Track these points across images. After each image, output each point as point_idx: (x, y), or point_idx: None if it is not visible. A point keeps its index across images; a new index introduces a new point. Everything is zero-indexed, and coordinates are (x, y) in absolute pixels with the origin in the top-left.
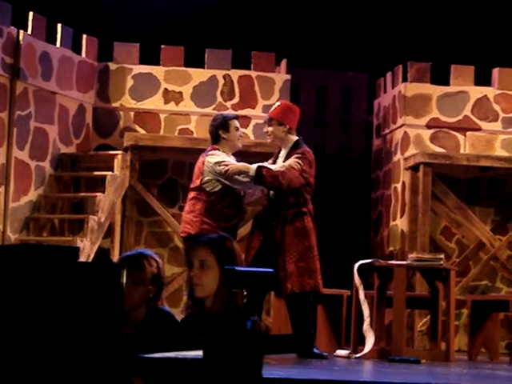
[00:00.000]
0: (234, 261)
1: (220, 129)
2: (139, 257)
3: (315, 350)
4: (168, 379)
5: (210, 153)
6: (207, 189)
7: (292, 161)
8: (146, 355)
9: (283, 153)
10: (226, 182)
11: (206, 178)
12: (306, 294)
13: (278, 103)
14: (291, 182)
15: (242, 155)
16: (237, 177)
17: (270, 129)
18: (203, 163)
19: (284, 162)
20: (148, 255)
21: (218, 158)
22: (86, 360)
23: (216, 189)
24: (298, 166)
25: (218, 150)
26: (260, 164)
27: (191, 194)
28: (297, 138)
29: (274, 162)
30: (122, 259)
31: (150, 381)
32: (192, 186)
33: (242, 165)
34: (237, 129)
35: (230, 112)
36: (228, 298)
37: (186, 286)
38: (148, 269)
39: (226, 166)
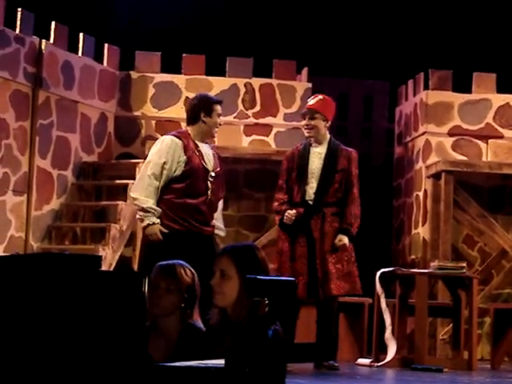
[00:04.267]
0: (258, 270)
1: (202, 110)
2: (176, 265)
3: (330, 362)
4: None
5: (161, 138)
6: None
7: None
8: (168, 364)
9: (319, 149)
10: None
11: None
12: (336, 298)
13: (319, 96)
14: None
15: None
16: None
17: (313, 122)
18: None
19: (326, 160)
20: (185, 266)
21: (148, 158)
22: (109, 369)
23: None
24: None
25: (183, 134)
26: None
27: None
28: (330, 134)
29: (303, 160)
30: (159, 266)
31: None
32: None
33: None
34: (218, 115)
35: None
36: (249, 307)
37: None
38: (183, 278)
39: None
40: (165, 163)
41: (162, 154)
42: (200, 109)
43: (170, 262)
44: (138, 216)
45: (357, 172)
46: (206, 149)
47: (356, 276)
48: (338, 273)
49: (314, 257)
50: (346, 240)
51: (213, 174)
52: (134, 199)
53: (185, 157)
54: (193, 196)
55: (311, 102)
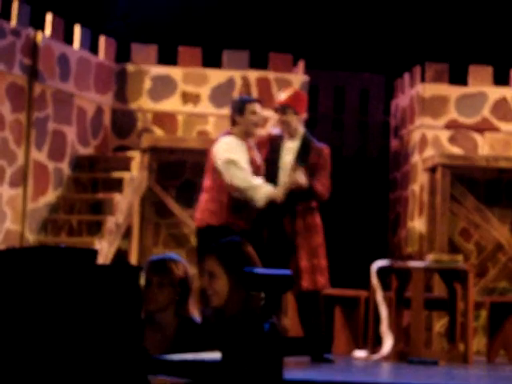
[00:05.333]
0: (245, 264)
1: (235, 112)
2: (167, 260)
3: (325, 355)
4: (188, 381)
5: (219, 140)
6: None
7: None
8: (165, 357)
9: (292, 145)
10: (232, 185)
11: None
12: (318, 292)
13: (290, 90)
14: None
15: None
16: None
17: (284, 117)
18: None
19: (298, 155)
20: (176, 259)
21: (228, 155)
22: (105, 363)
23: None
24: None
25: (231, 134)
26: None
27: (208, 182)
28: (304, 128)
29: (274, 152)
30: (150, 262)
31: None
32: (208, 173)
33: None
34: (253, 113)
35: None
36: (243, 300)
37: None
38: (175, 272)
39: (250, 186)
40: (241, 158)
41: (237, 149)
42: (234, 111)
43: (161, 256)
44: (266, 199)
45: (327, 166)
46: (253, 145)
47: (327, 271)
48: (313, 267)
49: (286, 252)
50: (301, 177)
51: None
52: (246, 188)
53: (247, 154)
54: None
55: (282, 96)
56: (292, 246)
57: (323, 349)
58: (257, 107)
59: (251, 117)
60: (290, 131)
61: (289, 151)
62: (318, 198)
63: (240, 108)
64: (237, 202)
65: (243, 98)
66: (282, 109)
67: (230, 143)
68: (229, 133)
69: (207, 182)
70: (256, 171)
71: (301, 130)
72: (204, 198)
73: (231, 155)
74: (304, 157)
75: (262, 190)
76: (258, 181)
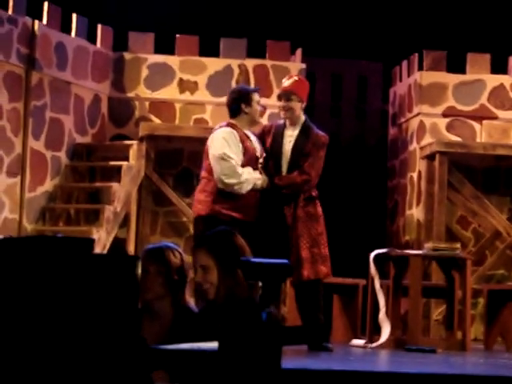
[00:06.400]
0: (235, 254)
1: (242, 102)
2: (164, 248)
3: (324, 344)
4: (185, 370)
5: (216, 131)
6: None
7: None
8: (162, 347)
9: (291, 132)
10: (221, 181)
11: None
12: (319, 281)
13: (294, 77)
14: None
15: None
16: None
17: (289, 104)
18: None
19: (296, 143)
20: (172, 247)
21: (219, 150)
22: (102, 352)
23: None
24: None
25: (234, 126)
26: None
27: (202, 173)
28: (305, 116)
29: (277, 140)
30: (147, 250)
31: (173, 374)
32: (203, 164)
33: (258, 179)
34: (258, 102)
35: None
36: (231, 289)
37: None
38: (172, 260)
39: (240, 182)
40: (234, 152)
41: (228, 143)
42: (239, 101)
43: (157, 245)
44: (257, 187)
45: (320, 154)
46: (252, 136)
47: (329, 260)
48: (314, 257)
49: (287, 242)
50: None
51: (261, 161)
52: (235, 185)
53: (241, 146)
54: None
55: (286, 83)
56: (293, 235)
57: (321, 338)
58: (258, 97)
59: (257, 106)
60: (292, 118)
61: (288, 139)
62: (289, 189)
63: (247, 98)
64: (226, 191)
65: (247, 87)
66: (287, 95)
67: (227, 138)
68: (230, 124)
69: (202, 171)
70: (251, 160)
71: (302, 117)
72: (198, 187)
73: (224, 150)
74: (301, 145)
75: (246, 185)
76: (245, 175)
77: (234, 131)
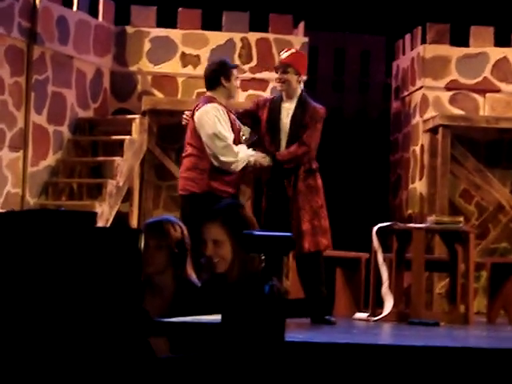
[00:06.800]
0: (246, 227)
1: (221, 75)
2: (164, 222)
3: (326, 317)
4: (187, 342)
5: (204, 108)
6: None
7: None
8: (165, 319)
9: (288, 105)
10: (217, 159)
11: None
12: (320, 253)
13: (292, 50)
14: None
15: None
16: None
17: (285, 76)
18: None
19: (294, 115)
20: (173, 221)
21: (215, 129)
22: (105, 325)
23: None
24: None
25: (215, 100)
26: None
27: (190, 150)
28: (301, 88)
29: (274, 114)
30: (147, 224)
31: (174, 343)
32: (190, 141)
33: (252, 156)
34: (236, 78)
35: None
36: (245, 264)
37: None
38: (172, 234)
39: (236, 160)
40: (226, 130)
41: (220, 121)
42: (220, 74)
43: (157, 218)
44: (250, 164)
45: (317, 127)
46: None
47: (330, 232)
48: (315, 229)
49: (288, 214)
50: (266, 159)
51: (242, 133)
52: (233, 163)
53: (229, 122)
54: None
55: (284, 55)
56: (293, 208)
57: (324, 311)
58: (237, 73)
59: (235, 82)
60: (289, 91)
61: (286, 112)
62: (291, 163)
63: (227, 72)
64: (219, 168)
65: (227, 62)
66: (284, 67)
67: (218, 116)
68: (211, 99)
69: (188, 148)
70: (236, 133)
71: (299, 90)
72: (185, 164)
73: (219, 129)
74: (299, 118)
75: (241, 163)
76: (241, 153)
77: (220, 106)
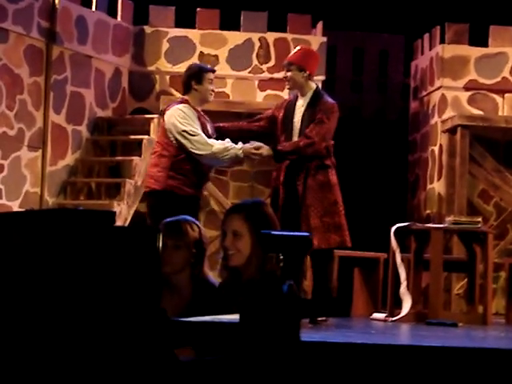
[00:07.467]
0: (268, 226)
1: (193, 79)
2: (181, 222)
3: (318, 319)
4: (206, 342)
5: (174, 107)
6: (176, 145)
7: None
8: (182, 319)
9: (302, 102)
10: (196, 155)
11: (172, 138)
12: (331, 250)
13: (298, 48)
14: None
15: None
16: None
17: (289, 74)
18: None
19: (305, 112)
20: (190, 221)
21: (185, 127)
22: (123, 325)
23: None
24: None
25: (187, 102)
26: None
27: (156, 147)
28: (316, 85)
29: (288, 113)
30: (165, 224)
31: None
32: (158, 139)
33: (223, 144)
34: (210, 82)
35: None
36: (262, 262)
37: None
38: (190, 233)
39: (210, 146)
40: (196, 127)
41: (191, 118)
42: (191, 78)
43: (175, 218)
44: (225, 160)
45: (326, 120)
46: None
47: (346, 229)
48: (324, 226)
49: (298, 210)
50: (264, 150)
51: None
52: (208, 155)
53: (199, 122)
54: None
55: (290, 54)
56: (303, 205)
57: (321, 311)
58: (212, 76)
59: (208, 85)
60: (296, 88)
61: (299, 109)
62: (294, 154)
63: (198, 76)
64: (180, 166)
65: (201, 65)
66: (287, 66)
67: (188, 114)
68: (184, 101)
69: (156, 146)
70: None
71: (311, 86)
72: (150, 162)
73: (189, 125)
74: (310, 114)
75: (227, 152)
76: (216, 145)
77: (191, 108)
